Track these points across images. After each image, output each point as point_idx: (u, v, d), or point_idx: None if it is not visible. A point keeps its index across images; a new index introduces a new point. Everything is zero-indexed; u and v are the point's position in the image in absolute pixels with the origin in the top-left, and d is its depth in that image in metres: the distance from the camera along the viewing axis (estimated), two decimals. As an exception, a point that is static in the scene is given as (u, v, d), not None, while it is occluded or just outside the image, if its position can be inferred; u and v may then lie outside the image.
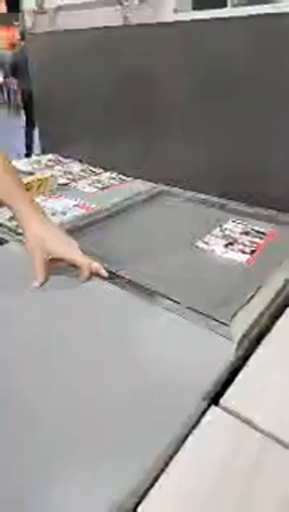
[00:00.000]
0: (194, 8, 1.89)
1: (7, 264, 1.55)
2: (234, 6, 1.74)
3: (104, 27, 2.25)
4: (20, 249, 1.60)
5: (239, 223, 1.93)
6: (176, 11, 1.91)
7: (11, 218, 1.83)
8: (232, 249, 1.67)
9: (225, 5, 1.75)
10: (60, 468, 0.79)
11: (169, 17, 1.93)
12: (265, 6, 1.63)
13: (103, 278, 1.39)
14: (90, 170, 2.74)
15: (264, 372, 1.08)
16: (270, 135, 1.84)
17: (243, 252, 1.65)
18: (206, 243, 1.75)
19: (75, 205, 2.14)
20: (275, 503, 0.77)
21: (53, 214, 2.01)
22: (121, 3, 2.03)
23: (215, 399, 0.99)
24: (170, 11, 1.90)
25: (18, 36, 7.44)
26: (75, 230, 1.77)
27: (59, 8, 2.41)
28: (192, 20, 1.87)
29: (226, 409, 0.96)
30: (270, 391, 1.02)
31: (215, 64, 1.91)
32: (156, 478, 0.80)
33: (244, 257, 1.62)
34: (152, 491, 0.79)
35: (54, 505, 0.72)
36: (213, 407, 0.97)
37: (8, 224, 1.82)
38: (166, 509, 0.76)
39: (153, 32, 2.06)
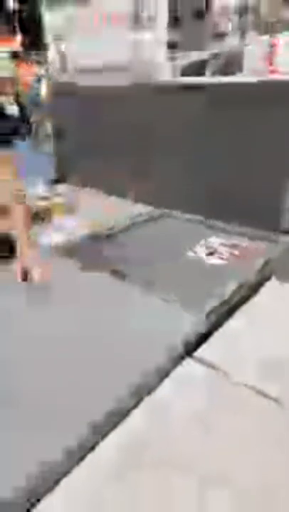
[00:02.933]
0: (182, 75, 2.48)
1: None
2: (211, 75, 2.33)
3: (114, 85, 2.85)
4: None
5: (222, 238, 2.41)
6: (168, 76, 2.51)
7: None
8: (212, 257, 2.16)
9: (204, 74, 2.34)
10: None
11: (164, 80, 2.53)
12: (234, 76, 2.22)
13: (110, 274, 1.86)
14: (96, 195, 3.23)
15: (233, 335, 1.51)
16: (252, 170, 2.37)
17: (222, 259, 2.13)
18: (195, 253, 2.23)
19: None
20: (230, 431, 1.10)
21: (61, 231, 2.51)
22: (128, 70, 2.63)
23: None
24: (165, 76, 2.50)
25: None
26: (84, 245, 2.24)
27: (79, 69, 3.04)
28: (180, 84, 2.48)
29: (197, 360, 1.36)
30: (236, 347, 1.43)
31: (198, 114, 2.48)
32: (119, 421, 1.10)
33: (222, 263, 2.10)
34: (111, 435, 1.07)
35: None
36: (187, 358, 1.37)
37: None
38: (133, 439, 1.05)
39: (151, 90, 2.67)
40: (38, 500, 0.93)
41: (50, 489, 0.96)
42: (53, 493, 0.95)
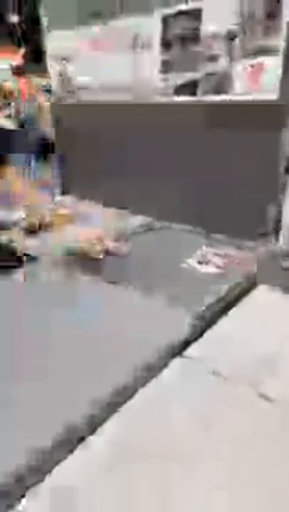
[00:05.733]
0: (175, 94, 2.67)
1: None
2: (203, 94, 2.51)
3: (113, 103, 3.06)
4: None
5: (216, 248, 2.58)
6: (162, 95, 2.70)
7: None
8: (206, 266, 2.33)
9: (195, 94, 2.52)
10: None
11: (158, 99, 2.76)
12: (223, 96, 2.43)
13: (110, 282, 2.05)
14: (97, 207, 3.42)
15: (224, 334, 1.67)
16: (241, 186, 2.53)
17: (215, 267, 2.30)
18: (190, 261, 2.40)
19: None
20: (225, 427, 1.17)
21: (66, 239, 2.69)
22: (127, 89, 2.86)
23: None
24: (158, 94, 2.71)
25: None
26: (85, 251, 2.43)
27: (80, 87, 3.25)
28: (173, 102, 2.69)
29: (187, 358, 1.52)
30: (226, 346, 1.57)
31: (190, 132, 2.66)
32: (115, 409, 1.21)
33: (213, 270, 2.27)
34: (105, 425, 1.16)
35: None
36: (177, 358, 1.53)
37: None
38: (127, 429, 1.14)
39: (148, 108, 2.86)
40: (28, 488, 1.00)
41: (41, 478, 1.03)
42: (44, 482, 1.02)
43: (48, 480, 1.05)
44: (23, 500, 0.99)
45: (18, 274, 2.25)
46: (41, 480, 1.05)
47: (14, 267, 2.33)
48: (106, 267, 2.31)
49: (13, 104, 7.44)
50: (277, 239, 2.52)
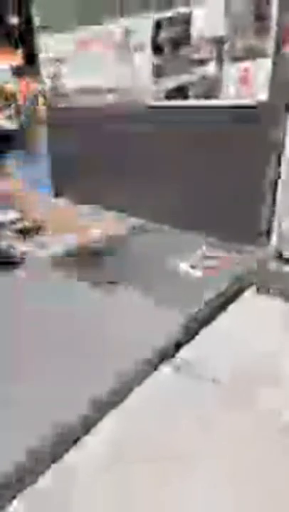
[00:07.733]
0: (166, 98, 2.68)
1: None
2: (194, 98, 2.51)
3: (102, 105, 3.08)
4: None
5: (210, 251, 2.59)
6: (154, 98, 2.71)
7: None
8: (197, 269, 2.33)
9: (187, 97, 2.51)
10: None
11: (149, 102, 2.77)
12: (213, 100, 2.44)
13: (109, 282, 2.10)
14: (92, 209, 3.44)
15: (215, 337, 1.68)
16: (233, 189, 2.54)
17: (206, 271, 2.30)
18: (181, 265, 2.41)
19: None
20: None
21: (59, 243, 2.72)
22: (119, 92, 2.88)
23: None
24: (150, 98, 2.71)
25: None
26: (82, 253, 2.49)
27: (71, 91, 3.25)
28: (163, 106, 2.71)
29: (181, 359, 1.54)
30: (220, 348, 1.58)
31: (181, 136, 2.66)
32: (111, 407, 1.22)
33: (207, 273, 2.29)
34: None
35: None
36: (172, 358, 1.55)
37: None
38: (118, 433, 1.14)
39: (138, 111, 2.87)
40: (21, 490, 1.02)
41: (34, 479, 1.05)
42: (38, 483, 1.05)
43: (42, 481, 1.07)
44: (14, 502, 1.00)
45: (19, 271, 2.28)
46: (34, 481, 1.06)
47: (15, 263, 2.36)
48: (105, 267, 2.32)
49: (13, 105, 7.52)
50: (272, 241, 2.52)
